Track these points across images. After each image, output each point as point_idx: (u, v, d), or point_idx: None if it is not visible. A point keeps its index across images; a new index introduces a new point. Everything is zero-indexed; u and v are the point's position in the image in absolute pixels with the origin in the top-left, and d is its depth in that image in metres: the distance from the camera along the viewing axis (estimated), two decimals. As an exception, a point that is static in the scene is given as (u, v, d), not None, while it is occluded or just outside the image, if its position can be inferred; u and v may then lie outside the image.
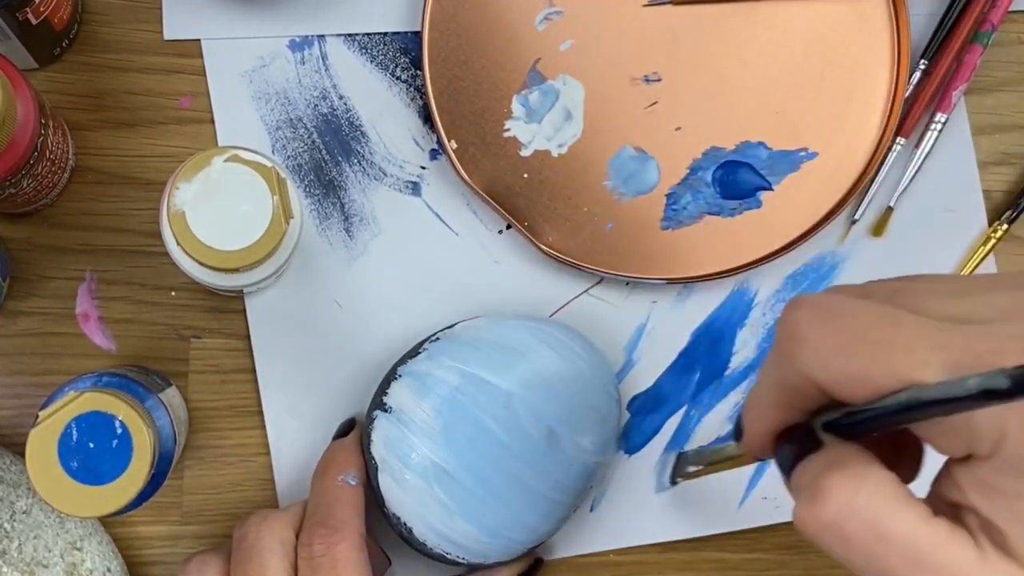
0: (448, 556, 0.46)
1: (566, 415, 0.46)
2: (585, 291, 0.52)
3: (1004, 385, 0.24)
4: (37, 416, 0.38)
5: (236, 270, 0.40)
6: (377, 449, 0.45)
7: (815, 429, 0.30)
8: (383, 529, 0.47)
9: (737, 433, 0.34)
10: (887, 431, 0.28)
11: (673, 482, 0.50)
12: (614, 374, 0.49)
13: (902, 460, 0.31)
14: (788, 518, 0.52)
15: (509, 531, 0.45)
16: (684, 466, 0.49)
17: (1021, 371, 0.24)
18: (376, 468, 0.45)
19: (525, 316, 0.49)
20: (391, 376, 0.47)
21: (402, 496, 0.44)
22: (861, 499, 0.27)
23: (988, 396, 0.25)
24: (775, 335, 0.29)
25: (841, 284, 0.31)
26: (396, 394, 0.46)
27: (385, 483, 0.45)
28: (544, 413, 0.45)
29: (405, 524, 0.45)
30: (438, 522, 0.44)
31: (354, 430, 0.48)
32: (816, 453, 0.29)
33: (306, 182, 0.51)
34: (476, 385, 0.45)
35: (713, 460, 0.46)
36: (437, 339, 0.47)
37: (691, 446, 0.51)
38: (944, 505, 0.28)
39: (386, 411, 0.45)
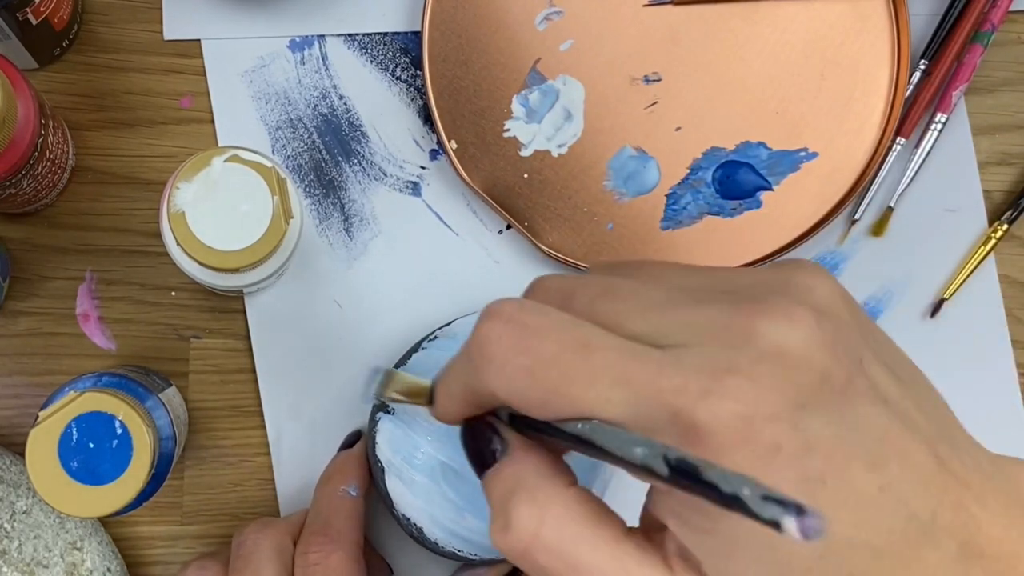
0: (460, 554, 0.46)
1: None
2: (585, 291, 0.52)
3: (662, 471, 0.22)
4: (37, 416, 0.38)
5: (236, 270, 0.40)
6: (382, 451, 0.45)
7: (499, 426, 0.29)
8: (394, 531, 0.47)
9: (430, 398, 0.32)
10: (563, 446, 0.27)
11: (378, 400, 0.42)
12: None
13: None
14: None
15: None
16: (390, 388, 0.43)
17: (680, 458, 0.22)
18: (383, 470, 0.45)
19: None
20: (391, 377, 0.46)
21: (410, 497, 0.44)
22: (547, 530, 0.26)
23: (648, 472, 0.23)
24: (468, 340, 0.27)
25: (551, 278, 0.28)
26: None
27: (393, 485, 0.45)
28: None
29: (415, 524, 0.45)
30: (448, 520, 0.44)
31: (360, 442, 0.48)
32: (503, 462, 0.28)
33: (306, 182, 0.51)
34: None
35: (411, 393, 0.39)
36: (435, 338, 0.47)
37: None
38: (651, 520, 0.27)
39: (388, 412, 0.45)
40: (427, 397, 0.32)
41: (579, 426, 0.25)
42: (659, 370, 0.24)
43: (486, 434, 0.29)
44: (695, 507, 0.24)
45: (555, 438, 0.26)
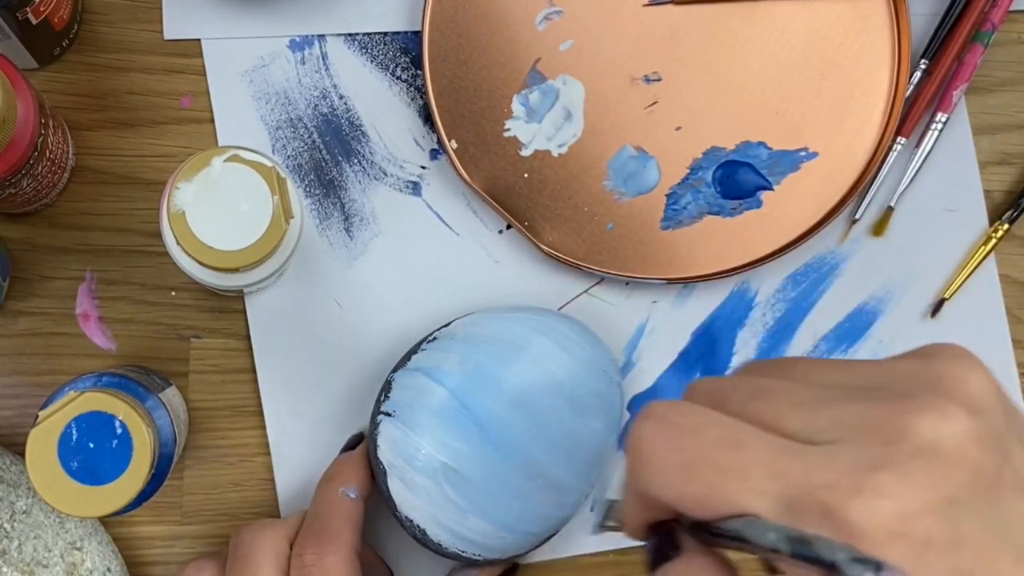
0: (463, 555, 0.46)
1: (571, 402, 0.46)
2: (585, 291, 0.52)
3: (785, 549, 0.24)
4: (37, 416, 0.38)
5: (236, 270, 0.40)
6: (384, 454, 0.45)
7: (676, 531, 0.29)
8: (397, 533, 0.47)
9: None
10: (728, 547, 0.28)
11: (602, 527, 0.48)
12: (612, 356, 0.49)
13: None
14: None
15: (525, 524, 0.45)
16: (612, 516, 0.47)
17: (797, 535, 0.23)
18: (385, 473, 0.45)
19: (518, 308, 0.49)
20: (391, 379, 0.46)
21: (413, 499, 0.44)
22: None
23: (777, 553, 0.24)
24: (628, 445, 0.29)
25: (705, 381, 0.30)
26: (397, 397, 0.46)
27: (395, 487, 0.45)
28: (548, 402, 0.45)
29: (418, 526, 0.45)
30: (451, 521, 0.44)
31: (362, 444, 0.48)
32: (673, 562, 0.28)
33: (306, 182, 0.51)
34: (477, 381, 0.45)
35: None
36: (434, 339, 0.47)
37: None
38: None
39: (389, 415, 0.45)
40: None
41: (735, 524, 0.26)
42: (811, 466, 0.25)
43: (663, 539, 0.29)
44: None
45: (718, 538, 0.27)
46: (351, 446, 0.48)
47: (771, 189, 0.52)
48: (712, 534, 0.27)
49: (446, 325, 0.48)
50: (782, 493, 0.25)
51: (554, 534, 0.47)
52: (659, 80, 0.52)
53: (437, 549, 0.45)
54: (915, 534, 0.23)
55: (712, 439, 0.26)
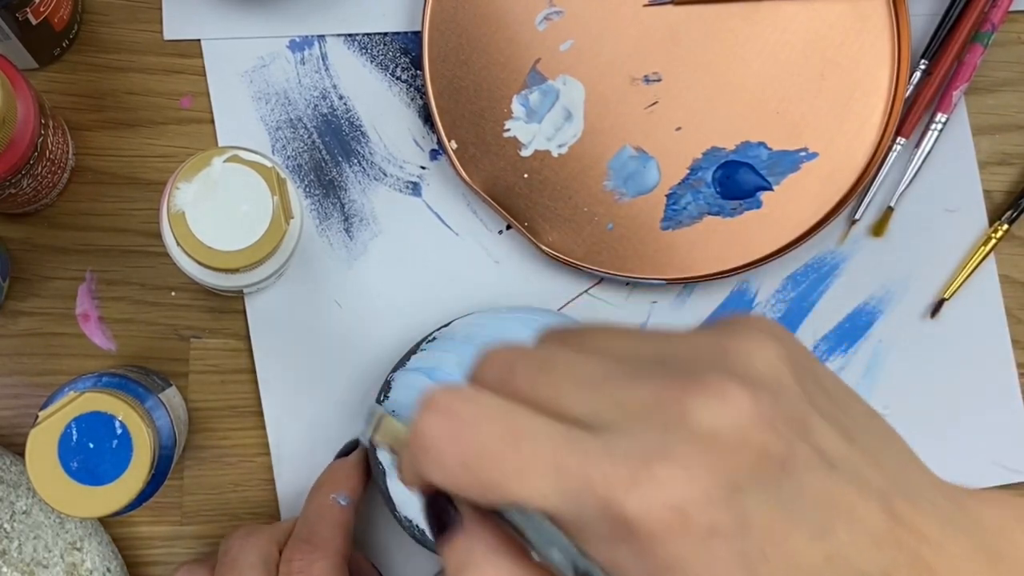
0: None
1: None
2: (585, 291, 0.52)
3: None
4: (37, 416, 0.38)
5: (236, 270, 0.40)
6: (384, 454, 0.45)
7: (455, 498, 0.29)
8: (395, 534, 0.47)
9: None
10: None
11: (372, 441, 0.41)
12: None
13: None
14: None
15: None
16: (379, 433, 0.38)
17: (585, 571, 0.22)
18: (384, 473, 0.45)
19: (518, 308, 0.49)
20: (390, 379, 0.46)
21: (413, 499, 0.44)
22: None
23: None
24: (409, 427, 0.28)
25: (499, 351, 0.28)
26: (396, 397, 0.46)
27: (395, 487, 0.45)
28: None
29: (418, 527, 0.45)
30: None
31: (356, 451, 0.48)
32: (455, 533, 0.27)
33: (306, 182, 0.51)
34: None
35: (399, 445, 0.42)
36: (434, 339, 0.47)
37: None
38: None
39: (389, 414, 0.45)
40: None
41: (515, 516, 0.25)
42: (588, 459, 0.23)
43: (441, 505, 0.28)
44: None
45: (501, 521, 0.26)
46: (345, 453, 0.48)
47: (771, 189, 0.52)
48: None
49: (446, 325, 0.48)
50: (560, 490, 0.24)
51: None
52: (659, 80, 0.52)
53: (432, 547, 0.45)
54: (697, 524, 0.22)
55: (491, 433, 0.25)
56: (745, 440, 0.23)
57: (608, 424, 0.24)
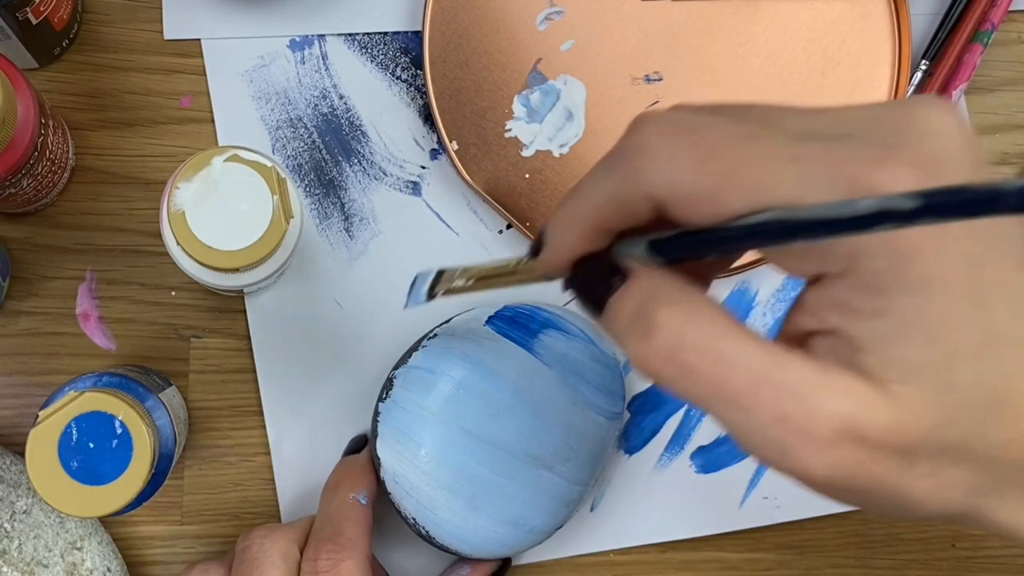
0: (465, 551, 0.46)
1: (573, 398, 0.46)
2: (585, 291, 0.52)
3: (906, 206, 0.21)
4: (37, 416, 0.38)
5: (236, 270, 0.40)
6: (385, 453, 0.45)
7: (618, 258, 0.28)
8: (399, 531, 0.47)
9: (536, 247, 0.31)
10: (728, 253, 0.27)
11: (431, 296, 0.39)
12: (613, 352, 0.49)
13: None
14: (789, 518, 0.52)
15: (528, 518, 0.45)
16: (448, 282, 0.39)
17: (939, 191, 0.21)
18: (384, 469, 0.45)
19: (518, 304, 0.49)
20: (392, 376, 0.46)
21: (415, 498, 0.44)
22: (694, 329, 0.25)
23: (884, 219, 0.22)
24: (615, 149, 0.27)
25: (686, 103, 0.28)
26: (398, 395, 0.46)
27: (395, 488, 0.45)
28: (550, 398, 0.45)
29: (420, 524, 0.45)
30: (454, 517, 0.44)
31: (366, 448, 0.47)
32: (629, 284, 0.27)
33: (306, 182, 0.51)
34: (479, 376, 0.45)
35: (486, 275, 0.37)
36: (435, 335, 0.47)
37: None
38: (791, 334, 0.27)
39: (392, 410, 0.45)
40: (532, 250, 0.31)
41: (769, 215, 0.24)
42: (830, 148, 0.24)
43: (602, 267, 0.28)
44: (868, 289, 0.25)
45: (721, 245, 0.26)
46: (354, 449, 0.48)
47: (771, 189, 0.52)
48: (696, 246, 0.26)
49: (447, 321, 0.48)
50: (802, 175, 0.24)
51: (557, 529, 0.47)
52: (660, 80, 0.52)
53: (439, 546, 0.45)
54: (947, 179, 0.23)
55: (723, 133, 0.25)
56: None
57: (836, 135, 0.25)
